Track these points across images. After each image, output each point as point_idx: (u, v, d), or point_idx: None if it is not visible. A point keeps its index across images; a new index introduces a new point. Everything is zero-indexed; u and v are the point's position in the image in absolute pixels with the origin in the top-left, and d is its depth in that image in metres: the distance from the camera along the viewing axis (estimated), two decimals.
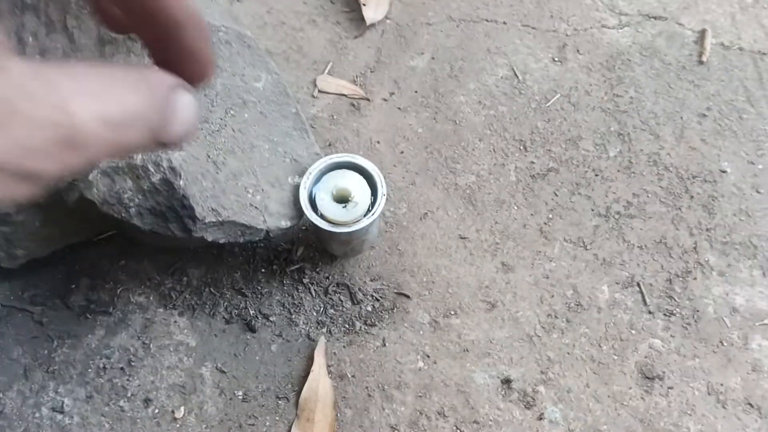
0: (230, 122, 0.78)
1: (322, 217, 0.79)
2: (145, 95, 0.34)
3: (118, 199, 0.72)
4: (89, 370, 0.84)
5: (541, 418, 0.83)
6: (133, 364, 0.85)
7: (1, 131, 0.28)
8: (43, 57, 0.84)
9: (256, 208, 0.78)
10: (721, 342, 0.87)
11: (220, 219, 0.74)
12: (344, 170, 0.83)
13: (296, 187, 0.82)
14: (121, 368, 0.84)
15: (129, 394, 0.83)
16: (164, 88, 0.36)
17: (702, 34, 1.05)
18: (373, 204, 0.81)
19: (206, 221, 0.74)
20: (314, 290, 0.89)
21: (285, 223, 0.80)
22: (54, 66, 0.31)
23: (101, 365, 0.84)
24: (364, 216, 0.80)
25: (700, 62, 1.03)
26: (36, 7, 0.86)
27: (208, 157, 0.75)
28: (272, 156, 0.82)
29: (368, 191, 0.82)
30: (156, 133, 0.35)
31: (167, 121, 0.35)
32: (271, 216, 0.79)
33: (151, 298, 0.88)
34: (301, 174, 0.83)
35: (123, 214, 0.73)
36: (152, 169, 0.71)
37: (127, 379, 0.84)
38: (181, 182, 0.71)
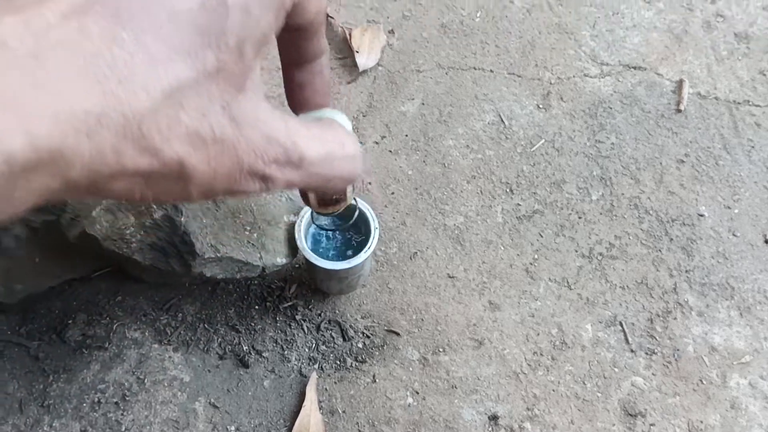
0: None
1: (316, 253, 0.82)
2: (354, 149, 0.46)
3: (120, 235, 0.75)
4: (84, 405, 0.85)
5: None
6: (127, 398, 0.86)
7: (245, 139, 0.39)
8: None
9: (252, 245, 0.80)
10: (700, 380, 0.89)
11: (219, 255, 0.77)
12: None
13: (291, 225, 0.85)
14: (116, 403, 0.86)
15: (123, 429, 0.84)
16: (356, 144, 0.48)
17: (680, 84, 1.10)
18: (366, 240, 0.84)
19: (205, 257, 0.76)
20: (306, 327, 0.91)
21: (280, 261, 0.83)
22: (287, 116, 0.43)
23: (96, 399, 0.85)
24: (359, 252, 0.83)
25: (678, 111, 1.08)
26: None
27: None
28: (269, 195, 0.84)
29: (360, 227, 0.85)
30: (355, 174, 0.45)
31: (360, 163, 0.46)
32: (267, 253, 0.81)
33: (146, 334, 0.90)
34: (297, 212, 0.85)
35: (124, 250, 0.75)
36: (154, 206, 0.74)
37: (122, 414, 0.85)
38: (183, 219, 0.74)
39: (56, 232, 0.80)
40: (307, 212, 0.85)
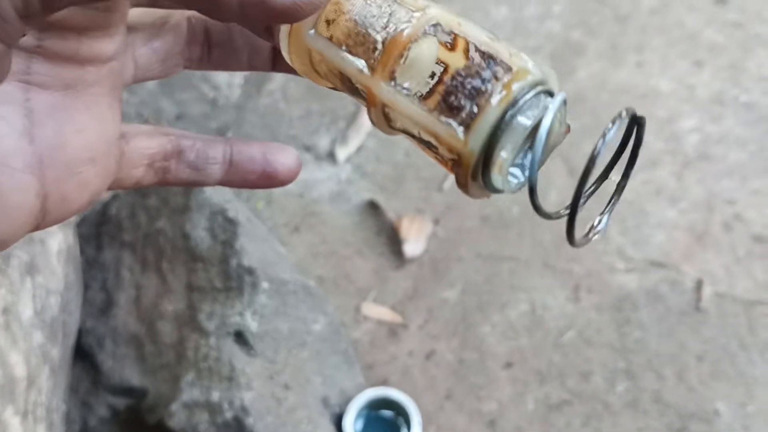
0: (292, 361, 0.93)
1: None
2: None
3: (194, 429, 0.86)
4: None
5: None
6: None
7: None
8: (138, 292, 1.00)
9: None
10: None
11: None
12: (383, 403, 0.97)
13: (340, 416, 0.95)
14: None
15: None
16: None
17: (699, 283, 1.20)
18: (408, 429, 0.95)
19: None
20: None
21: None
22: None
23: None
24: None
25: (698, 309, 1.17)
26: (133, 245, 1.03)
27: (273, 394, 0.89)
28: (323, 387, 0.95)
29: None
30: None
31: None
32: None
33: None
34: (346, 403, 0.96)
35: None
36: (227, 406, 0.85)
37: None
38: (251, 420, 0.85)
39: (136, 416, 0.91)
40: (354, 405, 0.96)
